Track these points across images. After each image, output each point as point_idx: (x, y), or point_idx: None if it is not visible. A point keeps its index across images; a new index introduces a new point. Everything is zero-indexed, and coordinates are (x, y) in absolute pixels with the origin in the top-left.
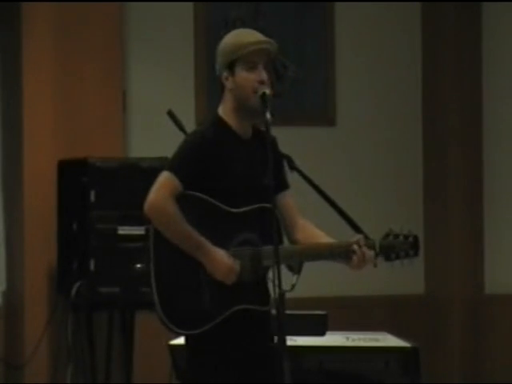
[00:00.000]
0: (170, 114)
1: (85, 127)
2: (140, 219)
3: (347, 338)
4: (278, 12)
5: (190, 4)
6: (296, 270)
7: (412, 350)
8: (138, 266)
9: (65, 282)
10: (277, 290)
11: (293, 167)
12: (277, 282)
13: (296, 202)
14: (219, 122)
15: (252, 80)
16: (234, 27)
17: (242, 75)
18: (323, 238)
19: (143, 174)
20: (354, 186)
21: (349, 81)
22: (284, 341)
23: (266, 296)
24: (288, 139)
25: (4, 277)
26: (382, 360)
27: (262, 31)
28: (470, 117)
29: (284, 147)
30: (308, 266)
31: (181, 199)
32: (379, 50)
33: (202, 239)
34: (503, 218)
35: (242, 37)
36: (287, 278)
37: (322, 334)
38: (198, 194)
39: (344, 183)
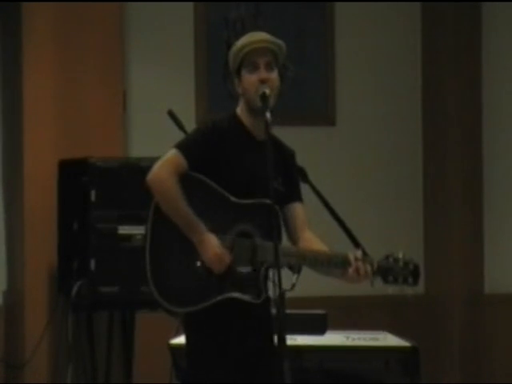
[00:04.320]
0: (171, 114)
1: (85, 127)
2: (140, 219)
3: (347, 338)
4: (278, 12)
5: (190, 4)
6: (296, 269)
7: (412, 350)
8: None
9: (65, 282)
10: (277, 289)
11: (306, 180)
12: (277, 281)
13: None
14: (234, 118)
15: (254, 81)
16: (234, 27)
17: (246, 78)
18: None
19: (143, 173)
20: (354, 185)
21: (349, 81)
22: (284, 341)
23: (259, 289)
24: (288, 139)
25: (4, 277)
26: (381, 359)
27: (261, 31)
28: (470, 117)
29: None
30: None
31: (185, 180)
32: (379, 49)
33: (198, 221)
34: (503, 218)
35: (242, 40)
36: (287, 277)
37: (321, 333)
38: (202, 176)
39: (344, 183)
